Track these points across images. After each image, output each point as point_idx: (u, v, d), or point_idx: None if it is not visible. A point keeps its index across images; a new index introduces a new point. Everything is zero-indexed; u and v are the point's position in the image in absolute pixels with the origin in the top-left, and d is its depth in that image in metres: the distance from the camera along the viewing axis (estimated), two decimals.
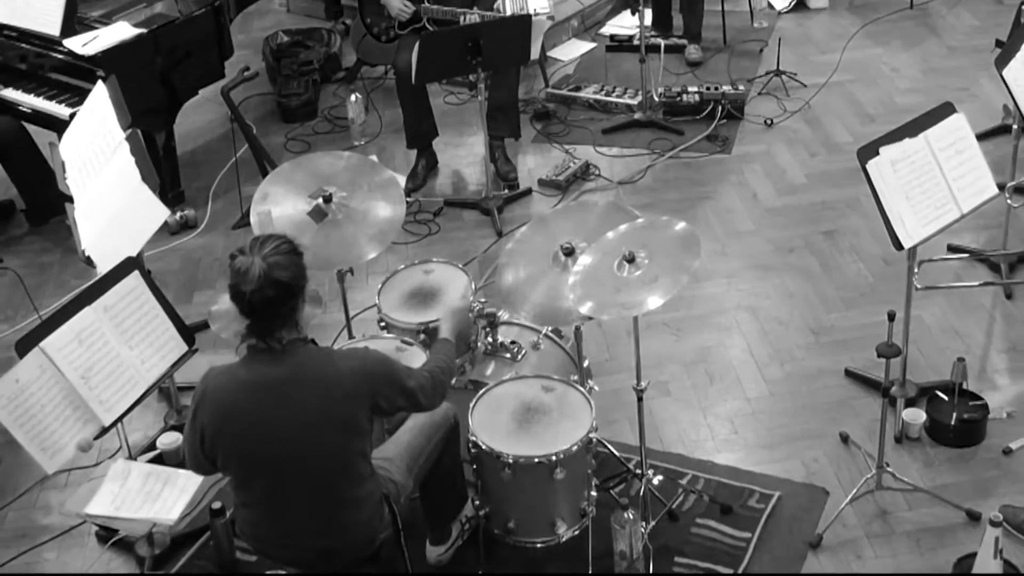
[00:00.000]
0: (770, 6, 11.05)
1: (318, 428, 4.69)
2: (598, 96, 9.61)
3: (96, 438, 5.30)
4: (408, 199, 7.43)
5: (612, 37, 10.64)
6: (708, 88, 9.36)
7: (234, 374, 4.76)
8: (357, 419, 4.74)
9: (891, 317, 5.62)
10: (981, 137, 6.12)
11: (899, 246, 5.57)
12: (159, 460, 6.24)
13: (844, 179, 8.36)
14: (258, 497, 4.90)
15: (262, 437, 4.71)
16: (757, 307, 7.35)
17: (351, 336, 6.39)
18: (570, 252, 5.67)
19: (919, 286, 5.93)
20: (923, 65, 9.99)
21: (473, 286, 6.28)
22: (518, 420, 5.48)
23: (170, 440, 6.34)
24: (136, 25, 8.16)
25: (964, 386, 6.39)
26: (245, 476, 4.86)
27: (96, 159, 6.24)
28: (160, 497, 5.69)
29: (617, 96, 9.58)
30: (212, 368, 4.85)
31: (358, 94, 9.44)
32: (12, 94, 8.18)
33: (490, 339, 5.97)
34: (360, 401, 4.72)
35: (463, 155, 9.16)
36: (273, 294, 4.57)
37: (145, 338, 5.53)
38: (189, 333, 5.78)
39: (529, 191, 8.65)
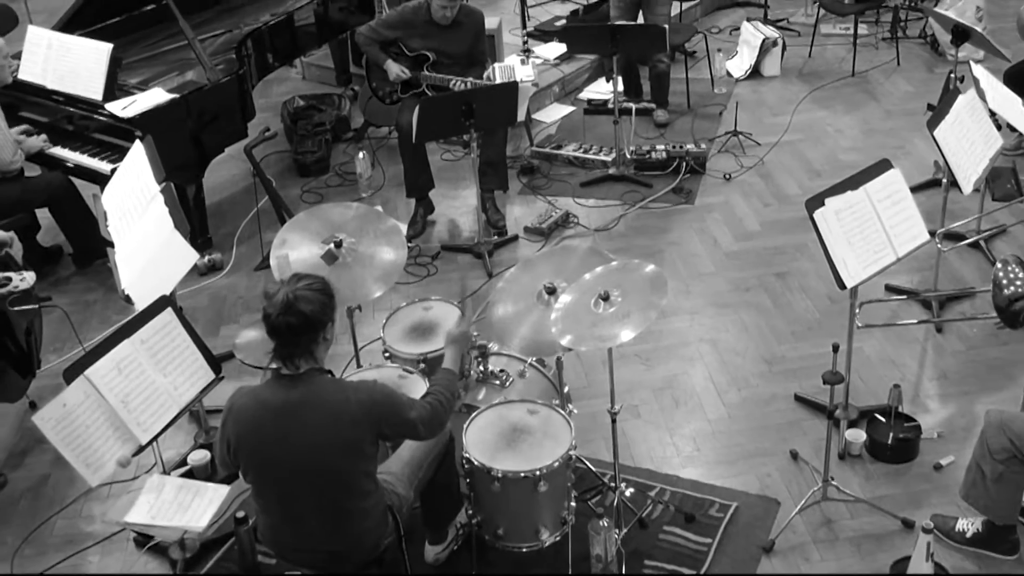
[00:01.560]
0: (728, 74, 11.08)
1: (326, 449, 4.70)
2: (577, 153, 9.60)
3: (134, 455, 5.31)
4: (409, 244, 7.45)
5: (589, 102, 10.66)
6: (674, 147, 9.39)
7: (257, 395, 4.79)
8: (362, 443, 4.75)
9: (835, 349, 5.66)
10: (915, 190, 6.14)
11: (842, 286, 5.58)
12: (190, 475, 6.22)
13: (794, 227, 8.38)
14: (273, 504, 4.92)
15: (276, 452, 4.73)
16: (717, 340, 7.37)
17: (359, 365, 6.42)
18: (552, 291, 5.69)
19: (860, 324, 5.96)
20: (863, 126, 10.03)
21: (466, 320, 6.30)
22: (506, 439, 5.49)
23: (199, 457, 6.33)
24: (170, 91, 8.18)
25: (900, 410, 6.42)
26: (261, 485, 4.88)
27: (134, 209, 6.25)
28: (191, 507, 5.68)
29: (594, 153, 9.58)
30: (239, 388, 4.87)
31: (365, 152, 9.46)
32: (60, 152, 8.19)
33: (481, 368, 5.98)
34: (365, 428, 4.73)
35: (458, 205, 9.17)
36: (294, 322, 4.60)
37: (177, 367, 5.54)
38: (216, 362, 5.78)
39: (516, 237, 8.65)
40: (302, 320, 4.63)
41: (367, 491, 4.88)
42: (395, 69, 8.68)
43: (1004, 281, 5.21)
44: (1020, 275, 5.18)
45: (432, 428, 4.95)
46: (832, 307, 7.48)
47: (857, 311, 5.91)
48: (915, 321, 7.28)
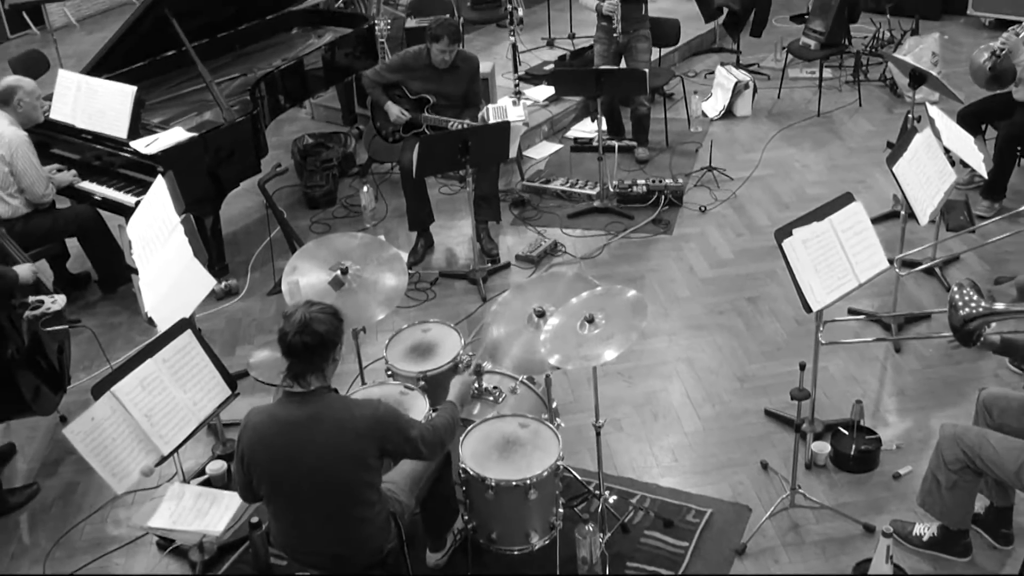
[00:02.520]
0: (704, 114, 11.11)
1: (332, 461, 4.71)
2: (564, 187, 9.62)
3: (156, 465, 5.33)
4: (409, 271, 7.46)
5: (575, 140, 10.67)
6: (653, 181, 9.41)
7: (270, 412, 4.81)
8: (366, 457, 4.76)
9: (802, 367, 5.69)
10: (875, 221, 6.16)
11: (808, 309, 5.60)
12: (208, 484, 6.24)
13: (764, 255, 8.42)
14: (283, 511, 4.93)
15: (286, 464, 4.74)
16: (693, 359, 7.38)
17: (363, 383, 6.43)
18: (541, 314, 5.72)
19: (823, 341, 5.98)
20: (828, 162, 10.05)
21: (463, 341, 6.34)
22: (499, 451, 5.50)
23: (217, 467, 6.34)
24: (189, 130, 8.19)
25: (861, 423, 6.43)
26: (272, 494, 4.89)
27: (157, 239, 6.27)
28: (209, 513, 5.72)
29: (580, 187, 9.59)
30: (254, 407, 4.90)
31: (369, 186, 9.49)
32: (88, 185, 8.19)
33: (476, 385, 6.01)
34: (369, 443, 4.75)
35: (454, 235, 9.17)
36: (309, 341, 4.64)
37: (196, 384, 5.56)
38: (232, 380, 5.81)
39: (508, 265, 8.66)
40: (316, 340, 4.66)
41: (371, 501, 4.90)
42: (395, 111, 8.73)
43: (960, 303, 5.23)
44: (974, 297, 5.20)
45: (433, 449, 4.97)
46: (799, 329, 7.51)
47: (821, 330, 5.93)
48: (873, 339, 7.31)
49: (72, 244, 8.48)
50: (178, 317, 5.67)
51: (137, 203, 7.33)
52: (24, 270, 6.54)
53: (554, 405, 6.12)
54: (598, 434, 5.73)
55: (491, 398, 6.01)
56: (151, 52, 9.20)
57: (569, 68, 11.37)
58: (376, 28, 9.76)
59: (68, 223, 8.04)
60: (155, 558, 6.04)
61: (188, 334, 5.58)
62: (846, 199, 5.87)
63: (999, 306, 5.14)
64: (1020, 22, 8.90)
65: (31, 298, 6.47)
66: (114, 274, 8.42)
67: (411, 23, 10.83)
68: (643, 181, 9.44)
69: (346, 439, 4.72)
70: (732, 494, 6.24)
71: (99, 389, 5.18)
